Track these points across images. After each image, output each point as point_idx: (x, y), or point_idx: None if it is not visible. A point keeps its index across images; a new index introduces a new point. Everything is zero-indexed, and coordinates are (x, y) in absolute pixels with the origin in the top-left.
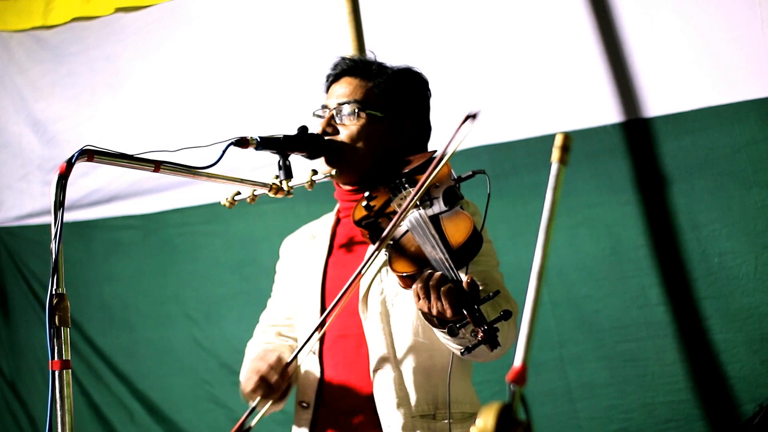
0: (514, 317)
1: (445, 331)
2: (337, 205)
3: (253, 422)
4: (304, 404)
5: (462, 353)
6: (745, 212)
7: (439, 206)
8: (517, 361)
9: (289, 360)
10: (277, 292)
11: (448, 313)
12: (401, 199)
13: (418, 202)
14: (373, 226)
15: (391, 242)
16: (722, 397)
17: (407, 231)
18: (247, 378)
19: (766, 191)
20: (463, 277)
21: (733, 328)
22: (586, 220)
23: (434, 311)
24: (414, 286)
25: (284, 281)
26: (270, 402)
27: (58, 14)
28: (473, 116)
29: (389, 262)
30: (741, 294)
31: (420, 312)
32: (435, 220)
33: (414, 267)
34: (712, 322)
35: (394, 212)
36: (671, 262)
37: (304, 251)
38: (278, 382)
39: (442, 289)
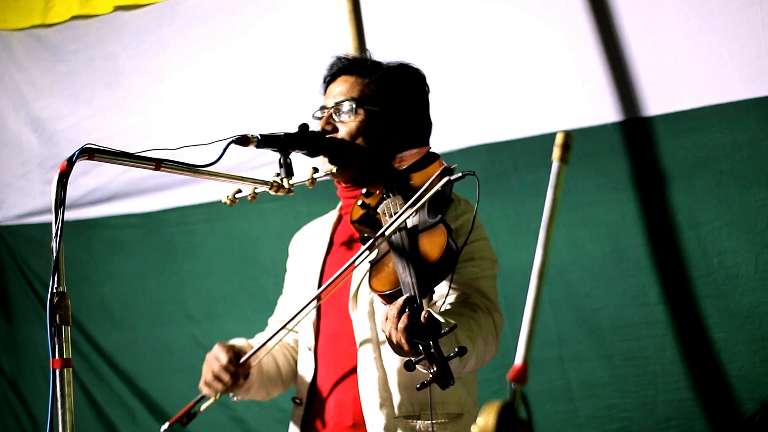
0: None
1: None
2: (340, 203)
3: (202, 408)
4: (298, 401)
5: (417, 388)
6: (745, 211)
7: (422, 216)
8: (518, 360)
9: (244, 357)
10: (285, 289)
11: (405, 346)
12: (387, 206)
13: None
14: (362, 233)
15: (374, 258)
16: (722, 396)
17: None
18: (204, 373)
19: (766, 190)
20: (435, 303)
21: (733, 327)
22: (586, 218)
23: (394, 340)
24: (384, 310)
25: (290, 278)
26: (218, 394)
27: (57, 13)
28: (448, 172)
29: (368, 278)
30: (741, 293)
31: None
32: (413, 235)
33: (387, 287)
34: (712, 321)
35: (382, 213)
36: (671, 261)
37: (307, 249)
38: (227, 382)
39: (400, 324)
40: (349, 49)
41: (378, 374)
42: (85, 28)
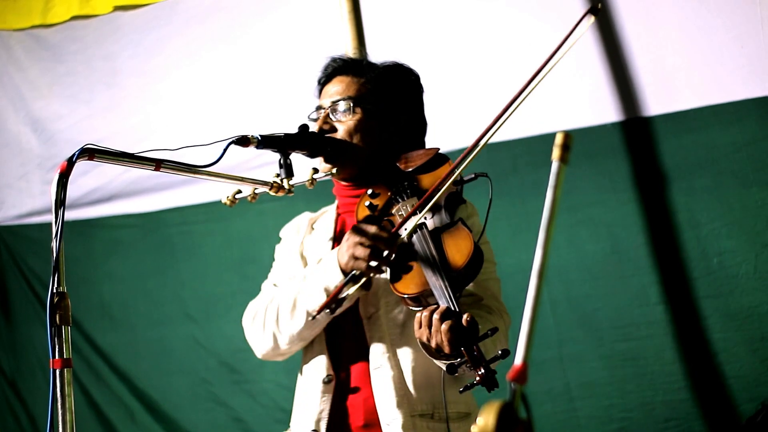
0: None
1: (444, 368)
2: (336, 201)
3: (351, 291)
4: (331, 378)
5: (460, 391)
6: (745, 211)
7: (440, 217)
8: (518, 360)
9: (395, 228)
10: (277, 270)
11: (447, 349)
12: (404, 207)
13: (420, 213)
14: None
15: (392, 259)
16: (721, 397)
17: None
18: (352, 248)
19: (766, 190)
20: (465, 313)
21: (732, 327)
22: (586, 219)
23: (433, 343)
24: (417, 315)
25: (286, 263)
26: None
27: (57, 13)
28: (594, 11)
29: (390, 279)
30: (740, 293)
31: (418, 340)
32: (436, 237)
33: (414, 289)
34: (712, 321)
35: (399, 216)
36: (671, 261)
37: (305, 243)
38: (389, 247)
39: (443, 326)
40: (349, 49)
41: (393, 373)
42: (84, 29)
